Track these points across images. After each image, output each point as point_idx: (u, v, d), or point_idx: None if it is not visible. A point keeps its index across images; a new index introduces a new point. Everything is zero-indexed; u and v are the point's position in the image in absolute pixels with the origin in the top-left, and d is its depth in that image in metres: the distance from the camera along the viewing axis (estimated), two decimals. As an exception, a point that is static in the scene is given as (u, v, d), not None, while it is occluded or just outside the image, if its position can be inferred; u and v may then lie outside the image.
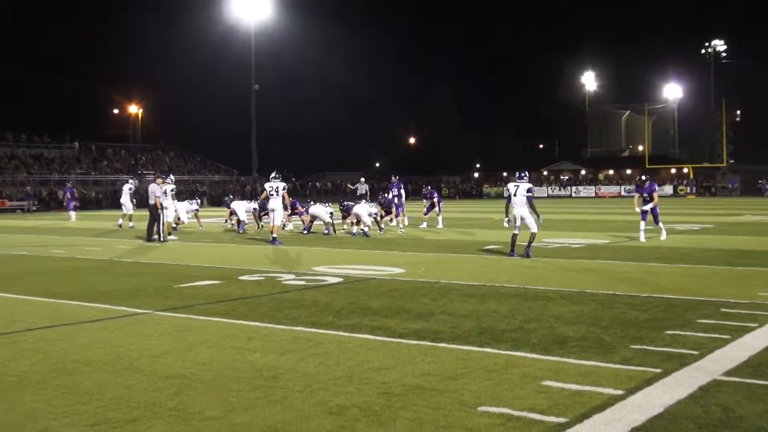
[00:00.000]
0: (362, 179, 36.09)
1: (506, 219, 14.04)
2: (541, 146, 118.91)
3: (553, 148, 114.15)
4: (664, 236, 17.71)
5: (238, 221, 23.14)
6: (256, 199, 24.06)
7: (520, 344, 6.66)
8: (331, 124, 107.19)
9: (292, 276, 11.78)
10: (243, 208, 23.35)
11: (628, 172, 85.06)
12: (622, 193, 71.13)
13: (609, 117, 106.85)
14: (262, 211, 22.77)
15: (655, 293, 9.44)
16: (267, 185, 18.73)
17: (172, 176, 22.62)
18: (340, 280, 11.22)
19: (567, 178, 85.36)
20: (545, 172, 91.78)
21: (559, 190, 76.54)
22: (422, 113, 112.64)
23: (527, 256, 13.64)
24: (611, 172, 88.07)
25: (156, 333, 7.44)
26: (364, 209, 20.64)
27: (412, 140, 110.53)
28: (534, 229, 13.71)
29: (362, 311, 8.44)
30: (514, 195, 13.81)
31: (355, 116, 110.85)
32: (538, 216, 13.76)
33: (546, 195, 74.60)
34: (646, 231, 17.56)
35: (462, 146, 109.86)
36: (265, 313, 8.40)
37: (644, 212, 17.20)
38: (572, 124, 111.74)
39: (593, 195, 73.35)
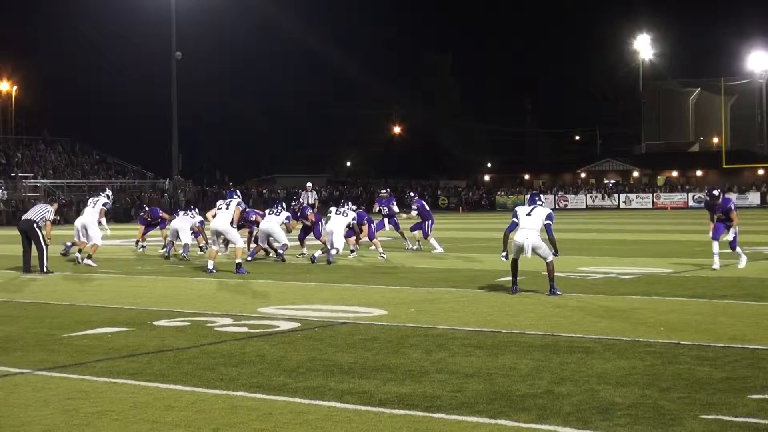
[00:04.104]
0: (309, 184, 36.89)
1: (503, 254, 14.26)
2: (577, 138, 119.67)
3: (593, 141, 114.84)
4: (743, 263, 17.87)
5: (174, 243, 22.92)
6: (191, 210, 23.99)
7: (548, 414, 6.70)
8: (283, 108, 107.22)
9: (229, 320, 11.76)
10: (187, 226, 22.84)
11: (699, 174, 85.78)
12: (690, 203, 71.64)
13: (671, 97, 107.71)
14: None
15: (734, 342, 9.53)
16: (220, 202, 19.74)
17: (109, 191, 23.58)
18: (297, 325, 11.22)
19: (613, 182, 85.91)
20: (583, 174, 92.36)
21: (603, 199, 76.97)
22: (411, 94, 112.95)
23: (554, 293, 13.78)
24: (675, 174, 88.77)
25: (36, 402, 7.39)
26: (339, 225, 20.44)
27: (396, 130, 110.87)
28: (550, 257, 13.86)
29: (327, 369, 8.44)
30: (527, 215, 14.00)
31: (318, 98, 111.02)
32: (556, 251, 14.02)
33: (584, 206, 75.02)
34: (721, 255, 17.72)
35: (466, 139, 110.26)
36: (191, 373, 8.38)
37: (717, 235, 17.58)
38: (620, 107, 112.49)
39: (650, 206, 73.82)
